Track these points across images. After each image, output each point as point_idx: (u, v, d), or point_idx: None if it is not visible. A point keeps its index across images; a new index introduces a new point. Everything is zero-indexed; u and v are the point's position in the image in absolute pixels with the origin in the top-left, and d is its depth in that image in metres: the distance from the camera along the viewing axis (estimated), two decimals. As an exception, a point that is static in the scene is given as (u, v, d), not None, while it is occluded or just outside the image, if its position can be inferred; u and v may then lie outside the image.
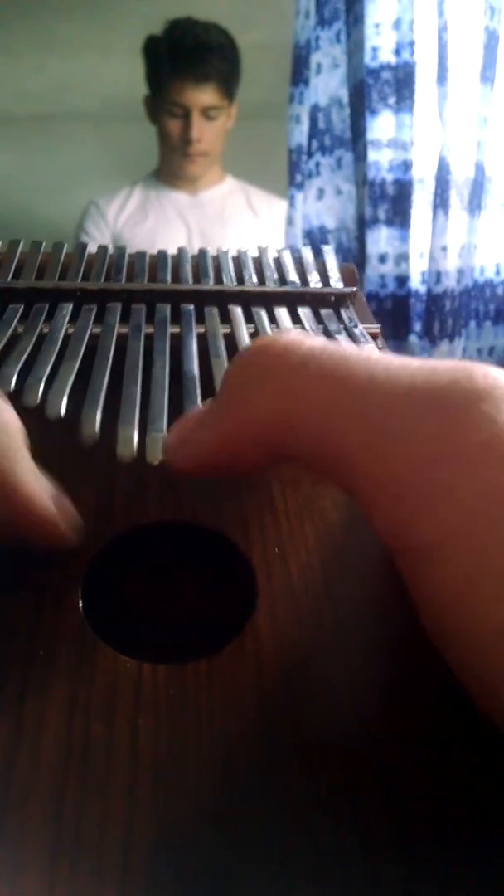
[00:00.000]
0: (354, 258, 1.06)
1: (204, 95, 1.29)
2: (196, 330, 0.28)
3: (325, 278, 0.33)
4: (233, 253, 0.34)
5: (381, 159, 1.01)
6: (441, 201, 1.00)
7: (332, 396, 0.15)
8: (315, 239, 1.09)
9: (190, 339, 0.27)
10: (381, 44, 0.98)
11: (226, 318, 0.29)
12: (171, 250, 0.34)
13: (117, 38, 1.63)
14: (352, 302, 0.32)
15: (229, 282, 0.32)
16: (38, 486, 0.18)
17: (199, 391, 0.24)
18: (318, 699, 0.16)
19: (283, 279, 0.33)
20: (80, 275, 0.31)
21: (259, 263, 0.34)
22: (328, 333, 0.29)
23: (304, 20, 1.06)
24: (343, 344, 0.16)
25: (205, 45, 1.27)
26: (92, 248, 0.33)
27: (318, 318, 0.30)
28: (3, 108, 1.78)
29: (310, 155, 1.09)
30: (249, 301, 0.30)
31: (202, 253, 0.33)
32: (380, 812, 0.14)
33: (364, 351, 0.16)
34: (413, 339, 1.05)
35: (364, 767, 0.15)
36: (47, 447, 0.19)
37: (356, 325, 0.30)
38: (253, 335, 0.28)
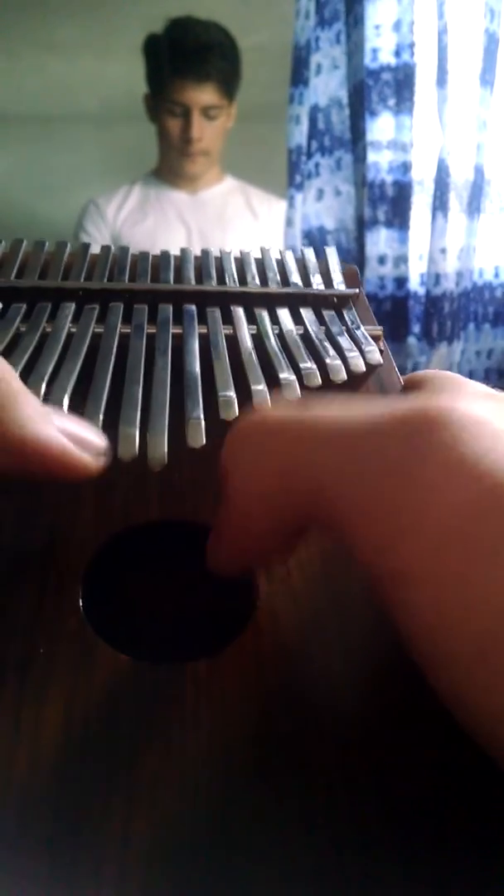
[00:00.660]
0: (353, 259, 1.06)
1: (204, 95, 1.29)
2: (198, 330, 0.28)
3: (327, 280, 0.33)
4: (235, 254, 0.34)
5: (380, 161, 1.01)
6: (440, 203, 1.00)
7: (307, 452, 0.16)
8: (314, 239, 1.09)
9: (192, 340, 0.27)
10: (381, 45, 0.98)
11: (228, 318, 0.29)
12: (174, 251, 0.34)
13: (117, 39, 1.63)
14: (354, 303, 0.32)
15: (232, 283, 0.32)
16: (43, 428, 0.18)
17: (200, 391, 0.24)
18: (318, 699, 0.16)
19: (285, 280, 0.33)
20: (83, 274, 0.31)
21: (261, 264, 0.34)
22: (330, 335, 0.29)
23: (304, 21, 1.06)
24: (309, 402, 0.17)
25: (205, 45, 1.27)
26: (95, 249, 0.33)
27: (321, 320, 0.30)
28: (2, 109, 1.77)
29: (309, 156, 1.09)
30: (252, 302, 0.30)
31: (205, 254, 0.33)
32: (379, 812, 0.14)
33: (324, 403, 0.17)
34: (412, 340, 1.05)
35: (364, 767, 0.15)
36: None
37: (358, 327, 0.30)
38: (255, 336, 0.28)
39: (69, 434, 0.18)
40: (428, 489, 0.14)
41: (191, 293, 0.30)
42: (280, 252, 0.34)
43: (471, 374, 1.10)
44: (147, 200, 1.42)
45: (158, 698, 0.16)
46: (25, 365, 0.25)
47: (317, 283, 0.33)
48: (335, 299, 0.31)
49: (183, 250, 0.34)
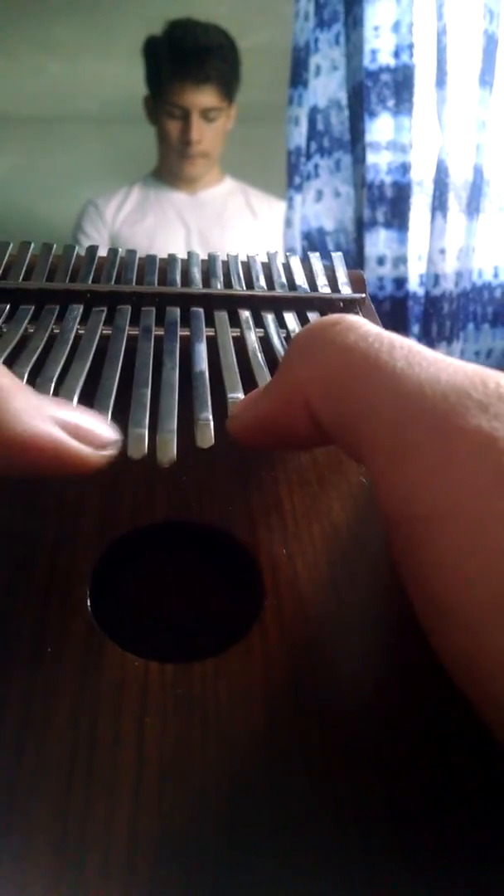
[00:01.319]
0: (353, 260, 1.06)
1: (203, 97, 1.29)
2: (205, 333, 0.28)
3: (333, 284, 0.33)
4: (242, 258, 0.34)
5: (379, 162, 1.01)
6: (439, 204, 1.00)
7: (366, 374, 0.17)
8: (313, 240, 1.09)
9: (200, 342, 0.27)
10: (380, 46, 0.98)
11: (235, 321, 0.29)
12: (181, 254, 0.34)
13: (117, 41, 1.63)
14: (360, 308, 0.32)
15: (238, 286, 0.32)
16: (32, 423, 0.17)
17: (208, 392, 0.24)
18: (325, 699, 0.16)
19: (291, 284, 0.33)
20: (91, 277, 0.31)
21: (268, 268, 0.34)
22: None
23: (304, 22, 1.06)
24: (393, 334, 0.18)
25: (205, 47, 1.27)
26: (102, 252, 0.33)
27: None
28: (2, 110, 1.77)
29: (308, 157, 1.09)
30: (258, 305, 0.30)
31: (212, 257, 0.33)
32: (383, 812, 0.14)
33: (409, 342, 0.17)
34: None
35: (369, 767, 0.15)
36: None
37: None
38: (262, 339, 0.29)
39: (69, 426, 0.17)
40: (471, 440, 0.14)
41: (198, 296, 0.30)
42: (286, 257, 0.34)
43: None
44: (146, 201, 1.42)
45: (166, 697, 0.16)
46: (33, 367, 0.25)
47: (323, 287, 0.33)
48: (342, 304, 0.31)
49: (190, 254, 0.34)
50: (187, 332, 0.28)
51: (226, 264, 0.33)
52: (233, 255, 0.34)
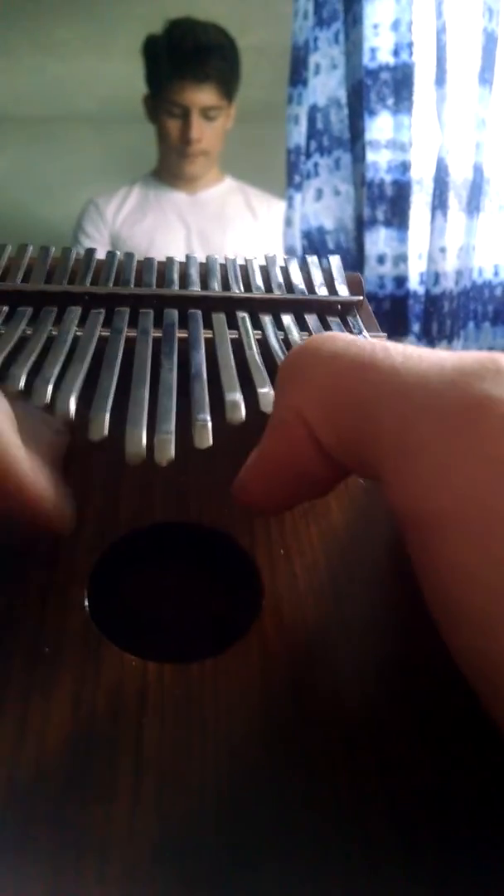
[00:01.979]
0: (353, 259, 1.06)
1: (203, 95, 1.29)
2: (203, 335, 0.28)
3: (331, 286, 0.33)
4: (240, 260, 0.34)
5: (379, 160, 1.01)
6: (439, 202, 1.00)
7: (361, 381, 0.16)
8: (313, 239, 1.09)
9: (198, 343, 0.27)
10: (379, 45, 0.98)
11: (233, 323, 0.29)
12: (180, 257, 0.34)
13: (116, 40, 1.62)
14: (358, 310, 0.32)
15: (237, 288, 0.32)
16: (31, 470, 0.18)
17: (206, 394, 0.24)
18: (323, 699, 0.16)
19: (289, 287, 0.33)
20: (89, 279, 0.31)
21: (266, 271, 0.34)
22: None
23: (303, 21, 1.06)
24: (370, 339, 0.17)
25: (204, 46, 1.27)
26: (100, 254, 0.33)
27: (325, 326, 0.30)
28: (2, 109, 1.77)
29: (308, 156, 1.09)
30: (257, 307, 0.30)
31: (210, 260, 0.33)
32: (383, 812, 0.14)
33: (396, 344, 0.17)
34: (411, 339, 1.05)
35: (368, 768, 0.15)
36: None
37: (361, 333, 0.30)
38: (259, 341, 0.29)
39: (49, 483, 0.18)
40: (488, 434, 0.13)
41: (196, 298, 0.30)
42: (284, 259, 0.34)
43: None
44: (146, 201, 1.42)
45: (164, 698, 0.16)
46: (31, 368, 0.25)
47: (321, 290, 0.33)
48: (339, 306, 0.31)
49: (188, 256, 0.34)
50: (185, 334, 0.28)
51: (224, 267, 0.33)
52: (231, 258, 0.34)
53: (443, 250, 1.01)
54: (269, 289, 0.32)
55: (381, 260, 1.03)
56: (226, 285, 0.32)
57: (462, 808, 0.14)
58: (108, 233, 1.40)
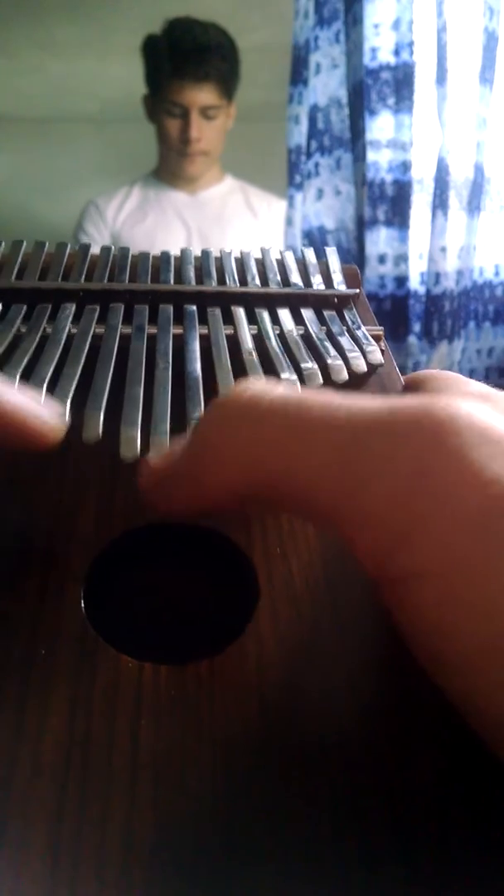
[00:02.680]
0: (353, 259, 1.06)
1: (203, 95, 1.30)
2: (199, 331, 0.28)
3: (327, 280, 0.33)
4: (235, 254, 0.34)
5: (380, 160, 1.01)
6: (440, 202, 1.00)
7: (298, 442, 0.16)
8: (314, 239, 1.09)
9: (193, 340, 0.27)
10: (380, 44, 0.98)
11: (229, 318, 0.29)
12: (174, 251, 0.34)
13: (116, 40, 1.63)
14: (354, 303, 0.32)
15: (232, 283, 0.32)
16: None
17: (201, 392, 0.24)
18: (319, 699, 0.16)
19: (286, 280, 0.33)
20: (83, 275, 0.31)
21: (262, 265, 0.34)
22: (331, 335, 0.29)
23: (304, 21, 1.06)
24: (306, 390, 0.17)
25: (204, 45, 1.27)
26: (95, 249, 0.33)
27: (321, 320, 0.30)
28: (2, 110, 1.77)
29: (309, 155, 1.09)
30: (252, 302, 0.30)
31: (205, 254, 0.33)
32: (380, 812, 0.14)
33: (323, 394, 0.16)
34: (412, 339, 1.05)
35: (364, 768, 0.15)
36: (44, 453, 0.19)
37: (359, 327, 0.30)
38: (255, 336, 0.28)
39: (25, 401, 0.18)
40: (437, 495, 0.14)
41: (191, 293, 0.30)
42: (280, 252, 0.34)
43: (471, 373, 1.10)
44: (147, 201, 1.42)
45: (160, 699, 0.16)
46: (26, 367, 0.25)
47: (317, 283, 0.33)
48: (336, 299, 0.31)
49: (183, 251, 0.34)
50: (181, 331, 0.28)
51: (219, 261, 0.33)
52: (226, 252, 0.34)
53: (443, 250, 1.01)
54: (265, 283, 0.32)
55: (381, 260, 1.03)
56: (221, 280, 0.32)
57: (460, 808, 0.14)
58: (108, 233, 1.41)
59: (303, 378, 0.26)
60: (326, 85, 1.06)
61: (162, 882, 0.13)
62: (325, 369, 0.27)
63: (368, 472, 0.14)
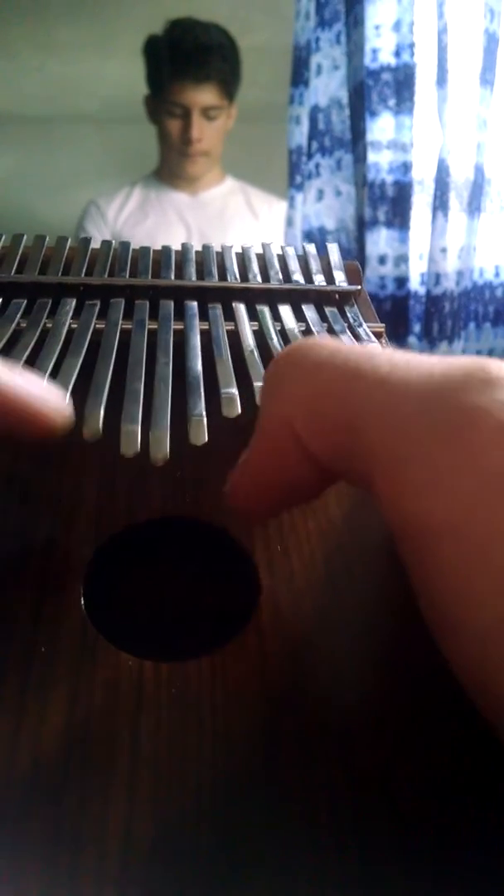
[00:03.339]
0: (354, 259, 1.06)
1: (204, 95, 1.30)
2: (199, 326, 0.28)
3: (329, 276, 0.33)
4: (236, 250, 0.34)
5: (380, 161, 1.01)
6: (440, 203, 1.00)
7: (349, 391, 0.16)
8: (315, 240, 1.09)
9: (193, 336, 0.27)
10: (381, 45, 0.98)
11: (229, 314, 0.29)
12: (175, 246, 0.34)
13: (117, 40, 1.63)
14: (356, 300, 0.32)
15: (233, 279, 0.32)
16: (7, 373, 0.17)
17: (202, 388, 0.24)
18: (321, 696, 0.16)
19: (287, 277, 0.33)
20: (84, 270, 0.31)
21: (263, 261, 0.34)
22: (332, 331, 0.29)
23: (305, 22, 1.06)
24: (360, 344, 0.17)
25: (205, 46, 1.28)
26: (95, 244, 0.33)
27: (323, 316, 0.30)
28: (2, 109, 1.78)
29: (309, 156, 1.09)
30: (253, 298, 0.30)
31: (206, 249, 0.33)
32: (382, 811, 0.14)
33: (384, 349, 0.16)
34: (412, 340, 1.05)
35: (367, 764, 0.15)
36: (48, 442, 0.18)
37: (360, 324, 0.30)
38: (256, 332, 0.28)
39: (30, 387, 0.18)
40: (478, 447, 0.13)
41: (192, 289, 0.30)
42: (282, 248, 0.34)
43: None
44: (147, 201, 1.43)
45: (161, 696, 0.16)
46: (26, 361, 0.25)
47: (318, 279, 0.32)
48: (337, 296, 0.31)
49: (184, 246, 0.34)
50: (181, 326, 0.28)
51: (220, 256, 0.33)
52: (227, 247, 0.34)
53: (444, 251, 1.01)
54: (266, 279, 0.32)
55: (382, 260, 1.03)
56: (222, 276, 0.32)
57: (462, 808, 0.14)
58: (109, 233, 1.41)
59: None
60: (327, 86, 1.06)
61: (162, 878, 0.13)
62: None
63: (412, 418, 0.14)
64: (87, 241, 0.33)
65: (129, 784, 0.14)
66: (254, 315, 0.29)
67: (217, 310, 0.29)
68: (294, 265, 0.33)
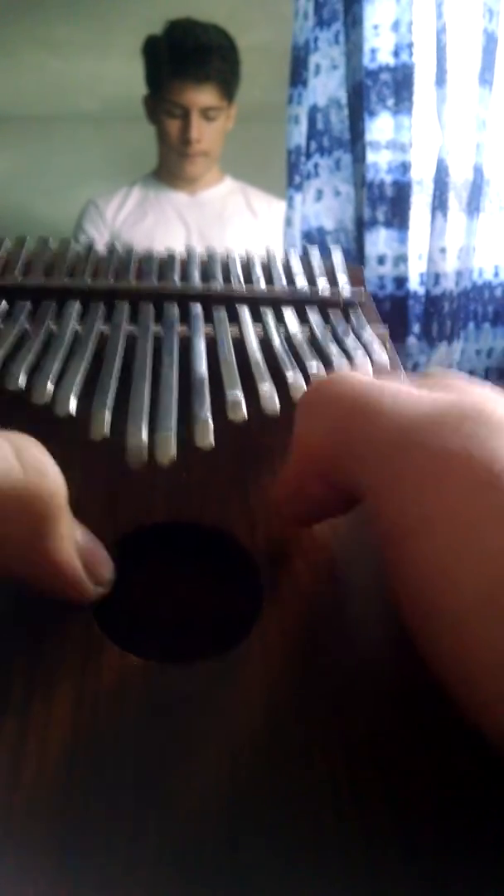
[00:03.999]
0: (353, 259, 1.06)
1: (203, 96, 1.29)
2: (204, 330, 0.28)
3: (332, 280, 0.33)
4: (241, 255, 0.34)
5: (379, 161, 1.01)
6: (440, 203, 1.00)
7: (355, 422, 0.18)
8: (314, 240, 1.09)
9: (198, 340, 0.27)
10: (379, 45, 0.98)
11: (234, 319, 0.29)
12: (178, 249, 0.34)
13: (117, 39, 1.63)
14: (360, 304, 0.32)
15: (237, 283, 0.32)
16: (70, 552, 0.18)
17: (207, 391, 0.24)
18: (325, 698, 0.16)
19: (290, 281, 0.33)
20: (89, 274, 0.31)
21: (267, 265, 0.34)
22: (336, 335, 0.29)
23: (303, 21, 1.05)
24: (380, 381, 0.19)
25: (204, 46, 1.27)
26: (100, 248, 0.33)
27: (326, 320, 0.30)
28: (2, 109, 1.77)
29: (308, 156, 1.09)
30: (257, 303, 0.30)
31: (211, 254, 0.33)
32: (384, 812, 0.14)
33: (392, 384, 0.19)
34: (411, 340, 1.05)
35: (369, 765, 0.15)
36: (55, 446, 0.19)
37: (364, 328, 0.30)
38: (261, 336, 0.28)
39: (84, 554, 0.19)
40: (451, 461, 0.15)
41: (197, 293, 0.30)
42: (285, 253, 0.34)
43: (471, 374, 1.10)
44: (146, 201, 1.42)
45: (166, 698, 0.16)
46: (32, 364, 0.25)
47: (322, 284, 0.33)
48: (341, 300, 0.31)
49: (188, 250, 0.34)
50: (186, 330, 0.28)
51: (224, 261, 0.33)
52: (231, 252, 0.34)
53: (443, 251, 1.01)
54: (270, 283, 0.32)
55: (381, 260, 1.03)
56: (226, 280, 0.32)
57: (462, 809, 0.14)
58: (108, 233, 1.41)
59: (308, 379, 0.26)
60: (326, 86, 1.06)
61: (167, 878, 0.13)
62: (330, 369, 0.27)
63: (400, 451, 0.16)
64: (92, 244, 0.33)
65: (134, 784, 0.14)
66: (258, 319, 0.30)
67: (221, 314, 0.29)
68: (297, 269, 0.33)
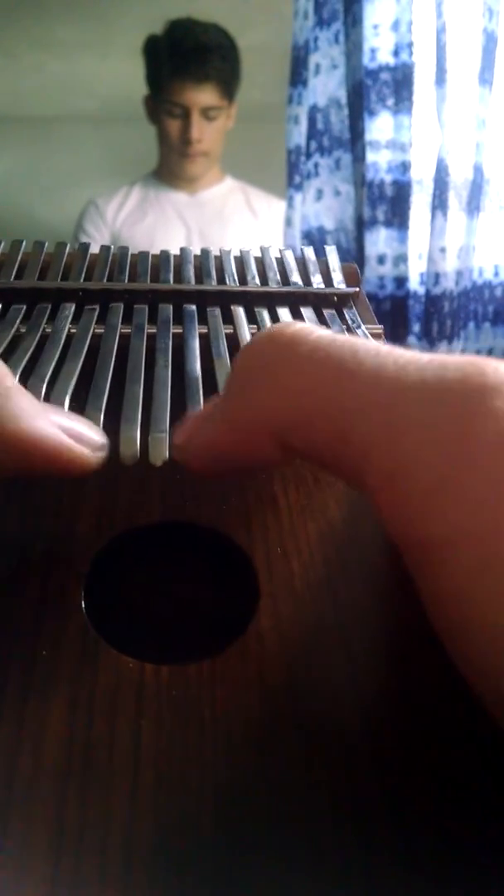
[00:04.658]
0: (353, 259, 1.06)
1: (203, 95, 1.30)
2: (199, 330, 0.28)
3: (327, 278, 0.33)
4: (235, 253, 0.34)
5: (379, 160, 1.01)
6: (440, 203, 1.00)
7: (339, 389, 0.15)
8: (314, 240, 1.09)
9: (192, 340, 0.27)
10: (379, 45, 0.98)
11: (228, 318, 0.29)
12: (174, 250, 0.34)
13: (117, 39, 1.63)
14: (354, 302, 0.32)
15: (232, 282, 0.32)
16: (38, 422, 0.17)
17: (201, 391, 0.24)
18: (321, 698, 0.16)
19: (285, 279, 0.33)
20: (83, 275, 0.31)
21: (261, 263, 0.34)
22: None
23: (303, 21, 1.06)
24: (351, 336, 0.16)
25: (204, 46, 1.28)
26: (94, 249, 0.33)
27: (321, 319, 0.30)
28: (2, 109, 1.77)
29: (308, 156, 1.09)
30: (252, 301, 0.30)
31: (205, 253, 0.33)
32: (382, 812, 0.14)
33: (373, 343, 0.16)
34: (412, 340, 1.05)
35: (366, 766, 0.15)
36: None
37: (359, 326, 0.30)
38: (255, 335, 0.28)
39: (66, 429, 0.18)
40: (478, 458, 0.13)
41: (191, 293, 0.30)
42: (280, 251, 0.34)
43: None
44: (147, 201, 1.42)
45: (161, 699, 0.16)
46: (25, 366, 0.25)
47: (317, 282, 0.33)
48: (335, 298, 0.31)
49: (182, 250, 0.34)
50: (180, 330, 0.28)
51: (219, 260, 0.33)
52: (226, 251, 0.34)
53: (443, 250, 1.01)
54: (264, 282, 0.32)
55: (381, 260, 1.03)
56: (221, 279, 0.32)
57: (462, 809, 0.14)
58: (108, 233, 1.41)
59: None
60: (326, 85, 1.06)
61: (163, 881, 0.13)
62: None
63: (409, 422, 0.14)
64: (86, 246, 0.33)
65: (131, 787, 0.14)
66: (253, 318, 0.30)
67: (216, 313, 0.29)
68: (292, 268, 0.33)
